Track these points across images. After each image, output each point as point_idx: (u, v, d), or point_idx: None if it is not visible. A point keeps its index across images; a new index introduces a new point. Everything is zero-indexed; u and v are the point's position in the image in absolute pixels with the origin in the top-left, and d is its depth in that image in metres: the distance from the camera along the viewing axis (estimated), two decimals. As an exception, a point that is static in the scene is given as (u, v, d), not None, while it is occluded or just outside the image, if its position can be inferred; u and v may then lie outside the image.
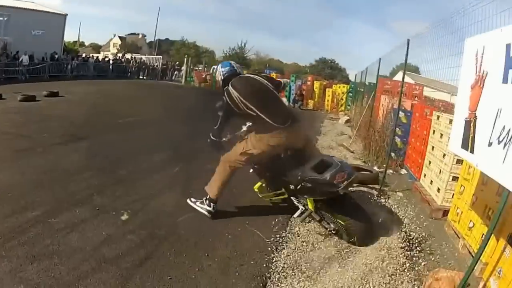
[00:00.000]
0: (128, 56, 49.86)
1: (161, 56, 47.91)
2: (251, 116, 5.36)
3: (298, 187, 5.19)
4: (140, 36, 79.01)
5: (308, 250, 4.83)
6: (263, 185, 6.14)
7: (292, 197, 5.68)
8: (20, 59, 31.79)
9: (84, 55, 46.48)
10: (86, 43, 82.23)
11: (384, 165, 8.48)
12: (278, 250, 4.75)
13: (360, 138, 12.77)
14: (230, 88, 5.37)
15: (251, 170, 6.14)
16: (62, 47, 43.95)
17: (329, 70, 70.53)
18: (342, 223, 5.13)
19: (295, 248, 4.86)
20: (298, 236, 5.19)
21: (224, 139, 5.81)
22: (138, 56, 51.19)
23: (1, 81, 27.77)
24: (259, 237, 4.99)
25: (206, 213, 5.49)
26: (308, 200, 5.34)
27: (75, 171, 7.01)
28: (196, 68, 44.97)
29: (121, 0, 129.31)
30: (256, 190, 6.15)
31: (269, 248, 4.76)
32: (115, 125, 11.90)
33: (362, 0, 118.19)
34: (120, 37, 78.00)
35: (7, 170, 6.88)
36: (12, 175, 6.60)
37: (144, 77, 41.77)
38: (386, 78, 17.04)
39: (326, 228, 5.38)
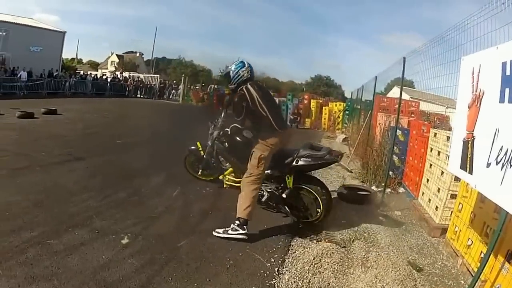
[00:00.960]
0: (126, 74, 50.27)
1: (158, 75, 48.27)
2: (259, 117, 5.90)
3: (293, 164, 6.28)
4: (138, 54, 79.48)
5: (309, 275, 4.80)
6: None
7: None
8: (19, 75, 32.00)
9: (82, 72, 46.80)
10: (84, 61, 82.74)
11: (383, 184, 8.50)
12: (279, 275, 4.73)
13: (357, 157, 12.77)
14: (250, 87, 5.89)
15: None
16: (60, 64, 44.18)
17: (325, 87, 70.59)
18: (316, 194, 6.37)
19: (296, 272, 4.83)
20: (299, 260, 5.16)
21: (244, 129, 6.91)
22: (136, 74, 51.56)
23: None
24: (260, 261, 4.96)
25: (242, 237, 5.64)
26: (287, 180, 6.39)
27: (73, 192, 6.92)
28: (193, 87, 45.22)
29: (118, 18, 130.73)
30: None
31: (270, 273, 4.73)
32: (113, 146, 11.83)
33: (352, 15, 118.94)
34: (117, 55, 78.52)
35: (5, 188, 6.81)
36: (9, 194, 6.52)
37: (142, 96, 42.02)
38: (383, 95, 17.11)
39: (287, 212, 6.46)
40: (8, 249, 4.55)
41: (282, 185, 6.54)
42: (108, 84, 41.24)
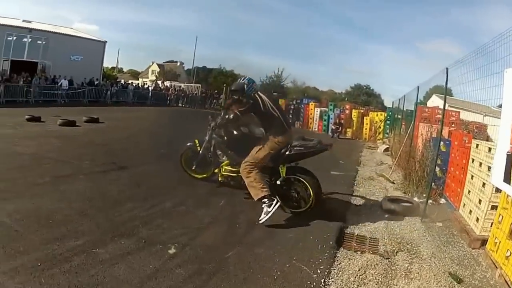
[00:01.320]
0: (167, 83, 50.60)
1: (200, 85, 48.43)
2: (271, 118, 7.00)
3: (287, 153, 7.15)
4: (178, 63, 79.76)
5: (354, 286, 4.81)
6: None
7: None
8: (60, 83, 32.60)
9: (122, 81, 47.34)
10: (124, 69, 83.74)
11: (424, 195, 8.44)
12: (325, 286, 4.74)
13: (399, 168, 12.66)
14: (261, 94, 7.10)
15: None
16: (101, 73, 44.95)
17: (365, 96, 69.47)
18: (307, 183, 7.16)
19: (342, 283, 4.84)
20: (345, 271, 5.16)
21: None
22: (177, 84, 51.91)
23: (39, 103, 28.53)
24: (307, 273, 4.94)
25: (277, 207, 6.66)
26: (281, 170, 7.26)
27: (118, 201, 7.00)
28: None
29: (158, 28, 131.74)
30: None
31: (317, 284, 4.73)
32: (157, 155, 11.86)
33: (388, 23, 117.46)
34: (158, 64, 78.98)
35: (48, 196, 6.93)
36: (53, 201, 6.64)
37: (183, 105, 41.97)
38: (424, 105, 16.91)
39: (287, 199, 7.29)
40: (51, 257, 4.62)
41: (275, 175, 7.34)
42: (150, 93, 41.57)
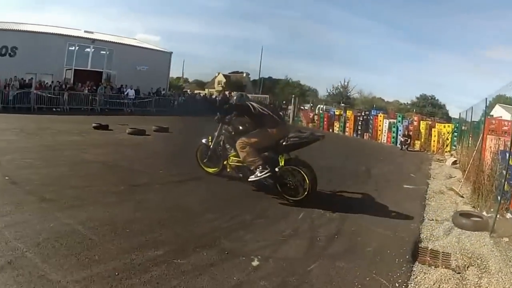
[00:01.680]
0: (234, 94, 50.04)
1: (268, 96, 48.22)
2: (263, 116, 8.84)
3: (285, 143, 8.57)
4: (244, 74, 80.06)
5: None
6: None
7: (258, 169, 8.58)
8: (126, 93, 33.64)
9: (189, 91, 47.94)
10: (190, 80, 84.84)
11: (492, 210, 8.40)
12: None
13: (468, 181, 12.41)
14: (249, 103, 9.05)
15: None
16: (168, 83, 46.02)
17: (429, 107, 67.93)
18: (303, 173, 8.33)
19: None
20: (421, 285, 5.22)
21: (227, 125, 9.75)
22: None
23: (105, 112, 29.48)
24: (386, 286, 5.01)
25: (267, 174, 8.48)
26: (280, 159, 8.54)
27: (197, 212, 7.20)
28: (302, 107, 43.97)
29: (223, 38, 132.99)
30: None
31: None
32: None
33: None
34: (224, 75, 79.48)
35: (124, 205, 7.22)
36: (129, 211, 6.90)
37: None
38: (491, 117, 16.61)
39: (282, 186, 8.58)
40: (129, 266, 4.77)
41: (275, 164, 8.57)
42: (217, 103, 40.89)
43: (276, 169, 8.52)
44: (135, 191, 8.26)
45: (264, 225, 6.89)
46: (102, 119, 20.84)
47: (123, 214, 6.71)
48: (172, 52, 46.02)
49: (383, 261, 5.73)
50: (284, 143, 8.59)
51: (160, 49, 47.29)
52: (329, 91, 70.92)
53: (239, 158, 9.07)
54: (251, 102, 9.10)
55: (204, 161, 10.45)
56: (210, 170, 10.37)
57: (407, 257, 5.98)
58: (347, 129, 31.22)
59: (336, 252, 5.89)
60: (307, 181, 8.25)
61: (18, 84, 31.70)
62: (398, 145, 25.30)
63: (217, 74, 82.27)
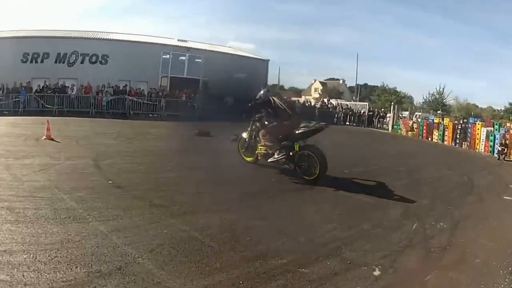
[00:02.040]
0: (333, 101, 50.09)
1: (367, 103, 47.51)
2: (281, 110, 11.19)
3: (297, 132, 10.80)
4: (341, 81, 79.74)
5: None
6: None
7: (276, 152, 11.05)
8: (225, 100, 34.19)
9: (290, 98, 48.04)
10: (285, 87, 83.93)
11: None
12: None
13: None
14: (271, 97, 11.53)
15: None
16: None
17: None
18: (314, 156, 10.32)
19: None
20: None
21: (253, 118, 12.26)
22: (343, 102, 51.52)
23: (204, 118, 29.69)
24: None
25: (283, 156, 10.89)
26: (295, 146, 10.78)
27: (315, 221, 7.22)
28: (401, 115, 42.52)
29: (316, 45, 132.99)
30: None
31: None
32: (343, 174, 11.88)
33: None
34: (320, 82, 79.49)
35: (239, 212, 7.39)
36: (246, 218, 7.04)
37: (351, 124, 41.33)
38: None
39: (295, 167, 10.81)
40: (254, 275, 4.75)
41: (291, 150, 10.80)
42: (316, 111, 41.25)
43: (291, 153, 10.81)
44: (248, 199, 8.42)
45: (381, 235, 6.83)
46: (201, 125, 21.52)
47: (241, 221, 6.81)
48: (269, 60, 46.81)
49: (490, 273, 5.59)
50: (296, 132, 10.87)
51: (257, 57, 48.07)
52: (425, 97, 68.91)
53: (264, 148, 11.56)
54: (273, 97, 11.60)
55: (243, 151, 12.91)
56: (248, 158, 12.74)
57: (510, 269, 5.78)
58: (446, 137, 29.93)
59: (449, 263, 5.79)
60: (318, 165, 10.26)
61: (112, 90, 33.74)
62: (495, 155, 24.07)
63: (313, 81, 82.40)
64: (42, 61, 38.42)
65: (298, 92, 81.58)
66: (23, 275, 4.41)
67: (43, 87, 33.89)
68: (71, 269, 4.63)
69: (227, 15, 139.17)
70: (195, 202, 7.86)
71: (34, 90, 33.39)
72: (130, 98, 31.91)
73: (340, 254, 5.67)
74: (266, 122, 11.56)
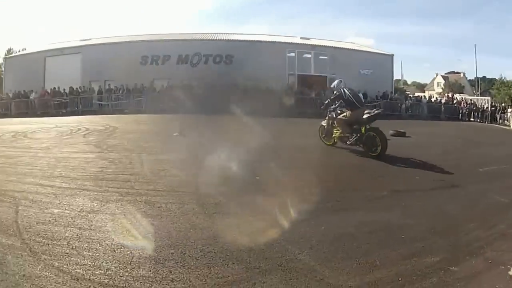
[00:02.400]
0: (457, 96, 48.33)
1: (489, 98, 45.58)
2: (350, 102, 13.74)
3: (363, 118, 13.22)
4: (462, 74, 76.85)
5: None
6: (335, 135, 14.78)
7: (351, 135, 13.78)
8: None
9: (416, 94, 47.20)
10: (408, 82, 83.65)
11: None
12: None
13: None
14: (342, 89, 14.11)
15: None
16: (393, 87, 46.23)
17: None
18: (377, 136, 12.78)
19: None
20: None
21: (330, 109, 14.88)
22: (467, 96, 49.19)
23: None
24: None
25: (355, 138, 13.43)
26: (362, 128, 13.23)
27: (459, 220, 7.01)
28: None
29: (438, 37, 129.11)
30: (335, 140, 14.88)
31: None
32: (477, 174, 11.45)
33: None
34: (442, 76, 77.28)
35: (391, 210, 7.36)
36: (398, 216, 6.99)
37: (474, 120, 39.36)
38: None
39: (362, 146, 13.42)
40: (410, 272, 4.76)
41: (359, 132, 13.35)
42: (442, 107, 40.86)
43: (358, 135, 13.40)
44: (399, 197, 8.44)
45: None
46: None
47: (393, 220, 6.81)
48: (393, 55, 45.75)
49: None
50: (362, 118, 13.34)
51: (381, 52, 47.24)
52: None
53: (339, 132, 14.31)
54: (344, 89, 14.16)
55: (323, 136, 15.61)
56: (327, 143, 15.39)
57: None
58: None
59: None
60: (380, 144, 12.77)
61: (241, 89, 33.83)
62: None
63: (435, 75, 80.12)
64: (163, 63, 40.77)
65: (421, 87, 79.97)
66: (170, 271, 4.60)
67: (166, 87, 36.04)
68: (227, 265, 4.79)
69: (346, 11, 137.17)
70: (347, 199, 8.04)
71: (157, 91, 35.78)
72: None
73: (482, 253, 5.56)
74: (339, 112, 14.41)
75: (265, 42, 43.59)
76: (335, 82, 15.19)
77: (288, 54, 42.47)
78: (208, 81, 36.35)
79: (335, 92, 14.50)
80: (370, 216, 6.92)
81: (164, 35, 45.93)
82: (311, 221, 6.44)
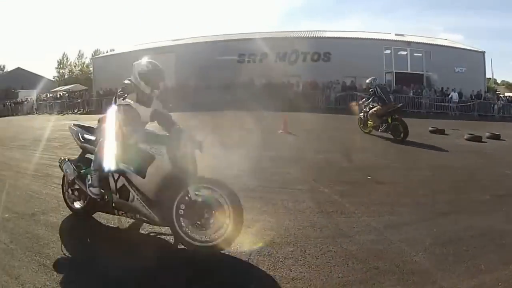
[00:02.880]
0: None
1: None
2: (380, 97, 16.36)
3: (389, 110, 16.04)
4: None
5: None
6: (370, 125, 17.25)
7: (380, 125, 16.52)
8: (450, 96, 33.51)
9: (502, 94, 44.85)
10: (498, 81, 78.84)
11: None
12: None
13: None
14: (375, 86, 16.76)
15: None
16: (486, 85, 44.01)
17: None
18: (400, 124, 15.54)
19: None
20: None
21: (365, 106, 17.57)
22: None
23: (431, 115, 29.87)
24: None
25: (385, 127, 16.15)
26: (388, 119, 15.93)
27: None
28: None
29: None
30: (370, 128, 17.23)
31: None
32: None
33: None
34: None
35: (490, 214, 6.96)
36: (499, 221, 6.55)
37: None
38: None
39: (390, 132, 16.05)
40: (509, 277, 4.60)
41: (386, 122, 15.96)
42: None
43: (385, 124, 16.05)
44: (502, 202, 7.83)
45: None
46: (431, 122, 21.48)
47: (496, 224, 6.46)
48: (484, 52, 43.27)
49: None
50: (389, 110, 15.96)
51: (473, 49, 44.84)
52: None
53: (372, 123, 16.78)
54: (376, 86, 16.78)
55: (361, 126, 18.04)
56: (365, 131, 17.75)
57: None
58: None
59: None
60: (402, 130, 15.37)
61: (340, 86, 35.13)
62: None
63: (522, 74, 76.88)
64: (261, 61, 41.35)
65: (510, 87, 76.83)
66: (290, 269, 4.67)
67: (265, 84, 36.38)
68: (347, 264, 4.83)
69: (435, 5, 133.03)
70: (455, 203, 7.72)
71: (256, 88, 35.81)
72: (359, 94, 31.14)
73: None
74: (371, 106, 16.99)
75: (362, 39, 43.40)
76: (370, 79, 17.72)
77: (385, 51, 42.36)
78: (307, 79, 37.16)
79: (370, 89, 17.31)
80: (475, 220, 6.68)
81: (257, 33, 45.94)
82: (424, 223, 6.41)
